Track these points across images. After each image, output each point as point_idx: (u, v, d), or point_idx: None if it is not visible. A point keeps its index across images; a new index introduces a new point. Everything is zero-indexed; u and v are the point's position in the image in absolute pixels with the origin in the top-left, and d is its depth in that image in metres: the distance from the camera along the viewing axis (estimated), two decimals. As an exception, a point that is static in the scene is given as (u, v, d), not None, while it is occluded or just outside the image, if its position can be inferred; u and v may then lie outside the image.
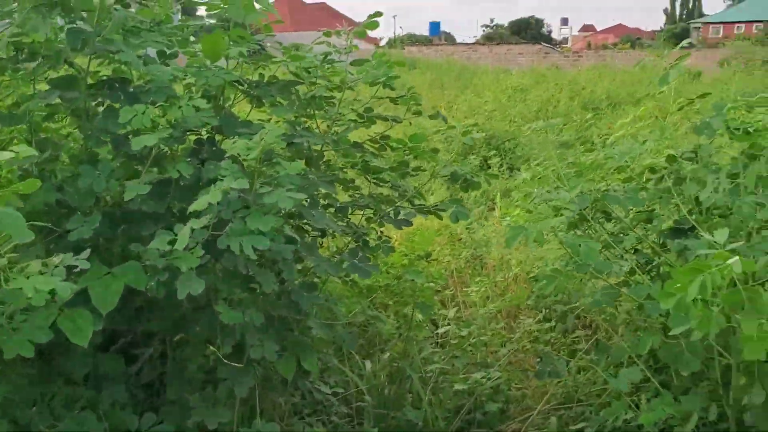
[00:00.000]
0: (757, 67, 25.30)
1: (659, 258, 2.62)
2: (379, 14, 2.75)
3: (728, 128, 2.39)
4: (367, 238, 3.13)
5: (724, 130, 2.36)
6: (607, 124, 14.51)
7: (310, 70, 2.67)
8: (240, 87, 2.81)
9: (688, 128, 3.45)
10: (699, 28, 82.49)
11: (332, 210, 3.08)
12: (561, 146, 2.87)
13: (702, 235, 2.09)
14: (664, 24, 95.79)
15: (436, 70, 26.96)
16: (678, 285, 1.67)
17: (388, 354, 3.94)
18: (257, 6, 2.57)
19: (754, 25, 74.56)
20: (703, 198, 2.26)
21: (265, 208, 2.07)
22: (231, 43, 2.64)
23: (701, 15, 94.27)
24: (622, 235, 2.72)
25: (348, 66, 2.67)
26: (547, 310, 4.58)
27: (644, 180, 2.78)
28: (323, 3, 63.42)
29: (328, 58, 2.72)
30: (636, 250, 2.88)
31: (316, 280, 3.16)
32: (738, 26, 77.68)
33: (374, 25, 2.76)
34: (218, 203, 2.00)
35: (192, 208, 2.00)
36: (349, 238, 3.11)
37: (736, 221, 2.41)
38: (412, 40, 52.36)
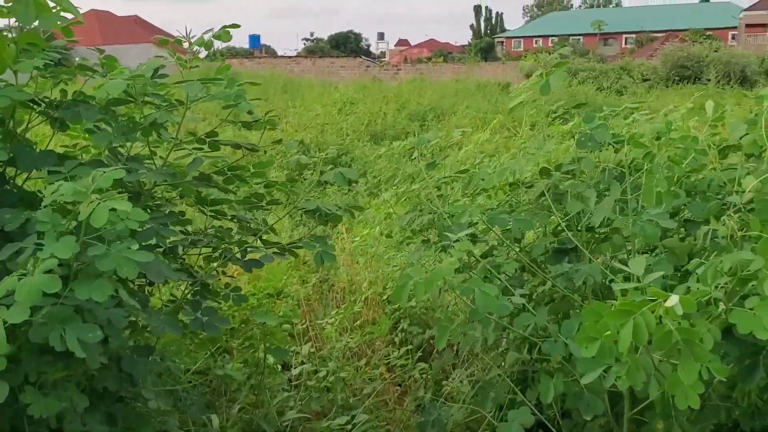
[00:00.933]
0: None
1: (544, 285, 2.42)
2: (236, 26, 2.32)
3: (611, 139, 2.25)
4: (209, 283, 2.63)
5: (605, 142, 2.20)
6: (434, 134, 14.93)
7: (144, 87, 2.13)
8: (36, 108, 2.21)
9: (556, 141, 3.32)
10: (503, 42, 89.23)
11: (160, 250, 2.54)
12: (428, 167, 2.58)
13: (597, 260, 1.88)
14: (472, 39, 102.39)
15: (259, 82, 26.37)
16: (603, 329, 1.41)
17: (238, 406, 3.46)
18: (52, 5, 2.00)
19: (550, 39, 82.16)
20: (595, 218, 2.07)
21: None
22: (21, 51, 2.06)
23: (503, 30, 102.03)
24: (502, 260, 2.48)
25: (189, 84, 2.16)
26: (404, 334, 4.34)
27: (519, 197, 2.59)
28: (135, 16, 59.77)
29: (160, 73, 2.20)
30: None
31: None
32: (536, 40, 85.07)
33: (227, 37, 2.31)
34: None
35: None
36: (187, 285, 2.60)
37: (618, 240, 2.25)
38: (232, 53, 50.99)
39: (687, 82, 27.89)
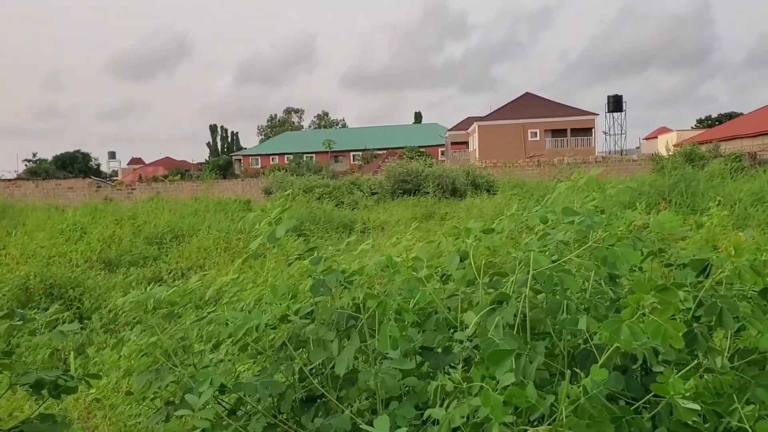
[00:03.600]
0: (298, 194, 28.59)
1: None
2: None
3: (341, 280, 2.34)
4: None
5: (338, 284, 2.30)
6: (174, 258, 14.38)
7: None
8: None
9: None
10: (240, 159, 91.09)
11: None
12: (168, 316, 2.43)
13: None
14: (209, 156, 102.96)
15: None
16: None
17: None
18: None
19: (286, 156, 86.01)
20: (338, 368, 2.12)
21: None
22: None
23: (240, 148, 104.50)
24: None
25: None
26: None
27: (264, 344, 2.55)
28: None
29: None
30: None
31: None
32: (273, 157, 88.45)
33: None
34: None
35: None
36: None
37: (364, 386, 2.32)
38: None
39: (409, 195, 30.71)
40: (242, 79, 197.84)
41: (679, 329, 1.73)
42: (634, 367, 2.25)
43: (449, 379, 1.74)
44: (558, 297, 2.27)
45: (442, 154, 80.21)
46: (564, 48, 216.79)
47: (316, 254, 2.65)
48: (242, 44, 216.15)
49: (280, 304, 2.51)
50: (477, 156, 60.31)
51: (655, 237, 3.03)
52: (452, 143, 76.31)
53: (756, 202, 12.82)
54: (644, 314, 1.78)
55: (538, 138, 63.62)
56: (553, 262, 2.23)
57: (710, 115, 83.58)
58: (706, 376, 2.10)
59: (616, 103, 70.88)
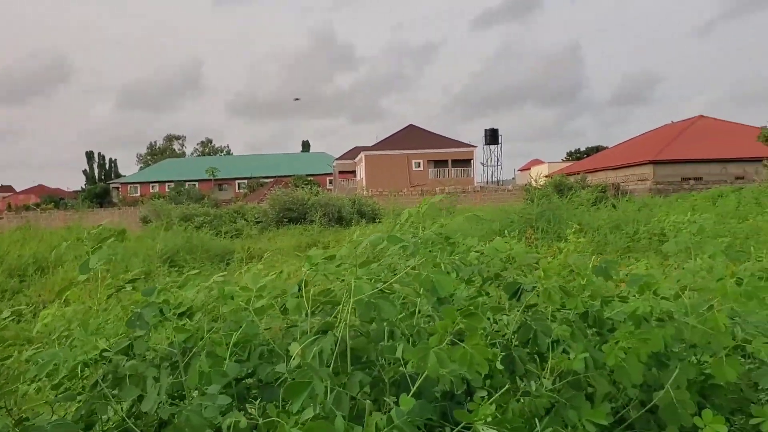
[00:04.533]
0: (176, 222, 27.64)
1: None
2: None
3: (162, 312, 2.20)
4: None
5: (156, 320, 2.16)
6: (37, 290, 13.39)
7: None
8: None
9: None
10: (118, 187, 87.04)
11: None
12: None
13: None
14: (85, 184, 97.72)
15: None
16: None
17: None
18: None
19: (167, 184, 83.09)
20: (144, 406, 1.97)
21: None
22: None
23: (119, 176, 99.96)
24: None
25: None
26: None
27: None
28: None
29: None
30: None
31: None
32: (153, 185, 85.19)
33: None
34: None
35: None
36: None
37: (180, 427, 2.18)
38: None
39: (295, 223, 30.48)
40: (124, 104, 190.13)
41: (485, 355, 1.74)
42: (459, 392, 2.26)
43: (245, 415, 1.65)
44: (385, 324, 2.24)
45: (330, 182, 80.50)
46: (446, 83, 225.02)
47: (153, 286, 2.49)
48: (124, 69, 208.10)
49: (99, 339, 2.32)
50: (364, 185, 60.99)
51: (498, 262, 3.11)
52: (340, 172, 76.79)
53: (614, 229, 13.68)
54: (453, 341, 1.78)
55: (421, 168, 65.25)
56: (380, 289, 2.21)
57: (579, 149, 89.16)
58: (522, 400, 2.13)
59: (492, 136, 74.04)
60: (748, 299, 2.52)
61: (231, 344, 2.20)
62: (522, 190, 37.45)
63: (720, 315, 2.42)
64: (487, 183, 68.34)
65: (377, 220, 29.26)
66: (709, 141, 43.37)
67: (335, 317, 2.35)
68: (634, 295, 2.69)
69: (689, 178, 39.28)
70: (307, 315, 2.63)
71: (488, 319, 2.81)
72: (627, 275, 3.02)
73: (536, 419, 1.96)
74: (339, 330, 2.22)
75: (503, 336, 2.38)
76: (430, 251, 2.32)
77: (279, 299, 2.96)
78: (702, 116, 49.78)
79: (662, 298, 2.66)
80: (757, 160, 33.62)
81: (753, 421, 2.40)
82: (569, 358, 2.25)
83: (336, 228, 28.53)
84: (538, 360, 2.53)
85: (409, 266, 2.26)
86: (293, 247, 20.77)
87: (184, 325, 2.29)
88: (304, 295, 2.50)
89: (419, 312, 2.44)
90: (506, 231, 13.62)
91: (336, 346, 2.08)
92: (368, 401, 1.85)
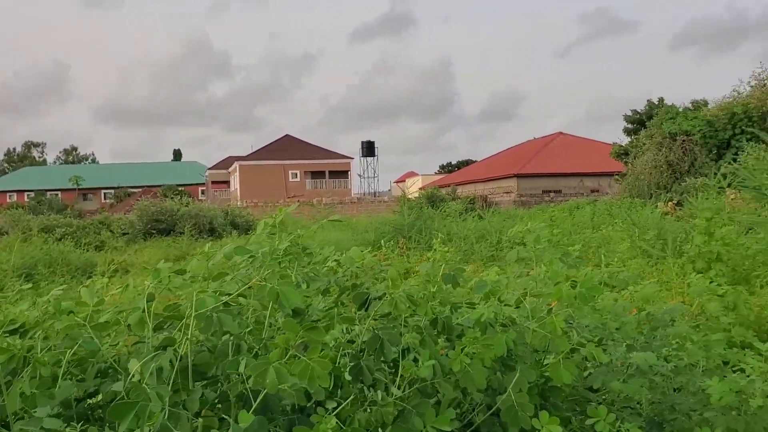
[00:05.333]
0: (35, 234, 25.69)
1: None
2: None
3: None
4: None
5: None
6: None
7: None
8: None
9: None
10: (-31, 196, 79.87)
11: None
12: None
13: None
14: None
15: None
16: None
17: None
18: None
19: (26, 193, 77.24)
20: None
21: None
22: None
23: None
24: None
25: None
26: None
27: None
28: None
29: None
30: None
31: None
32: (10, 195, 78.88)
33: None
34: None
35: None
36: None
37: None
38: None
39: (164, 235, 29.29)
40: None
41: (326, 368, 1.72)
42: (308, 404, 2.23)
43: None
44: (231, 338, 2.18)
45: (203, 193, 78.18)
46: (324, 94, 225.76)
47: None
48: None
49: None
50: (238, 196, 59.76)
51: (356, 272, 3.13)
52: (213, 182, 74.77)
53: (480, 239, 14.24)
54: (295, 355, 1.75)
55: (298, 179, 64.95)
56: (225, 303, 2.15)
57: (450, 162, 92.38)
58: (369, 409, 2.14)
59: (369, 149, 75.03)
60: (584, 302, 2.68)
61: (64, 363, 2.04)
62: (397, 201, 38.22)
63: (557, 319, 2.55)
64: (364, 194, 69.08)
65: (251, 232, 28.72)
66: (567, 156, 46.39)
67: (180, 332, 2.26)
68: (481, 302, 2.79)
69: (550, 191, 41.78)
70: (152, 331, 2.51)
71: (343, 329, 2.82)
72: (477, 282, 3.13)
73: (380, 428, 1.97)
74: (184, 345, 2.13)
75: (354, 346, 2.38)
76: (279, 262, 2.28)
77: (124, 314, 2.81)
78: (561, 133, 53.18)
79: (506, 304, 2.78)
80: (610, 174, 36.31)
81: (589, 422, 2.56)
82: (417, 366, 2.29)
83: (207, 240, 27.69)
84: (388, 369, 2.56)
85: (256, 278, 2.21)
86: (160, 259, 19.92)
87: (9, 344, 2.11)
88: (146, 309, 2.38)
89: (271, 325, 2.40)
90: (381, 241, 13.82)
91: (177, 361, 1.99)
92: (200, 419, 1.78)
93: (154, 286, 2.55)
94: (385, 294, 2.35)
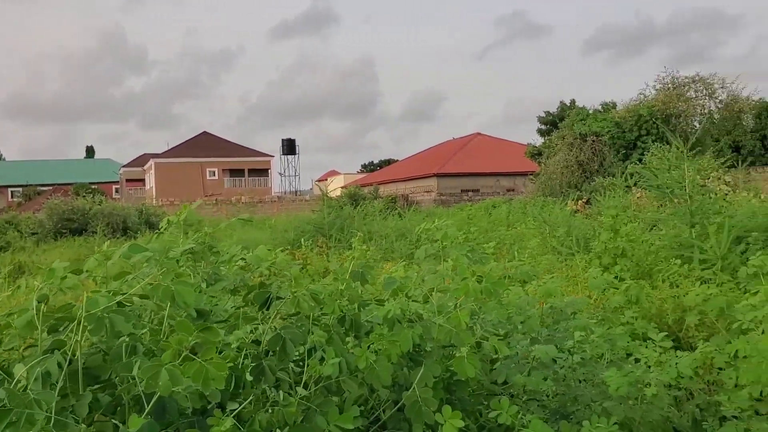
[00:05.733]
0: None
1: None
2: None
3: None
4: None
5: None
6: None
7: None
8: None
9: None
10: None
11: None
12: None
13: None
14: None
15: None
16: None
17: None
18: None
19: None
20: None
21: None
22: None
23: None
24: None
25: None
26: None
27: None
28: None
29: None
30: None
31: None
32: None
33: None
34: None
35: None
36: None
37: None
38: None
39: (76, 234, 28.13)
40: None
41: (222, 369, 1.67)
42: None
43: None
44: (128, 339, 2.09)
45: (117, 191, 75.37)
46: (244, 92, 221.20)
47: None
48: None
49: None
50: (154, 194, 57.96)
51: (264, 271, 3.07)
52: (128, 180, 72.19)
53: (400, 237, 14.35)
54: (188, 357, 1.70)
55: (216, 177, 63.61)
56: (120, 303, 2.06)
57: (373, 161, 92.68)
58: (271, 410, 2.11)
59: (289, 147, 74.24)
60: (489, 296, 2.73)
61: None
62: (319, 200, 38.05)
63: (462, 313, 2.59)
64: (285, 193, 68.39)
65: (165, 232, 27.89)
66: (484, 156, 47.49)
67: (72, 333, 2.15)
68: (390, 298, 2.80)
69: (468, 190, 42.63)
70: (47, 333, 2.39)
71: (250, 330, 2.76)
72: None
73: (279, 429, 1.94)
74: (74, 347, 2.03)
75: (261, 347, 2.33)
76: (177, 261, 2.21)
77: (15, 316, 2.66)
78: (479, 133, 54.36)
79: (413, 300, 2.80)
80: (525, 174, 37.40)
81: (492, 414, 2.61)
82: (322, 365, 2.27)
83: (121, 239, 26.74)
84: (299, 369, 2.53)
85: (150, 277, 2.13)
86: (71, 260, 19.08)
87: None
88: (36, 311, 2.26)
89: (171, 327, 2.32)
90: (301, 240, 13.70)
91: (66, 365, 1.89)
92: (83, 425, 1.70)
93: (47, 286, 2.42)
94: (290, 293, 2.31)
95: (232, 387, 2.13)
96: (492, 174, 44.73)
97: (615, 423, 2.68)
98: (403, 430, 2.52)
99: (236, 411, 1.86)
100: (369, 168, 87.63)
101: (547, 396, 3.39)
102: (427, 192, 42.82)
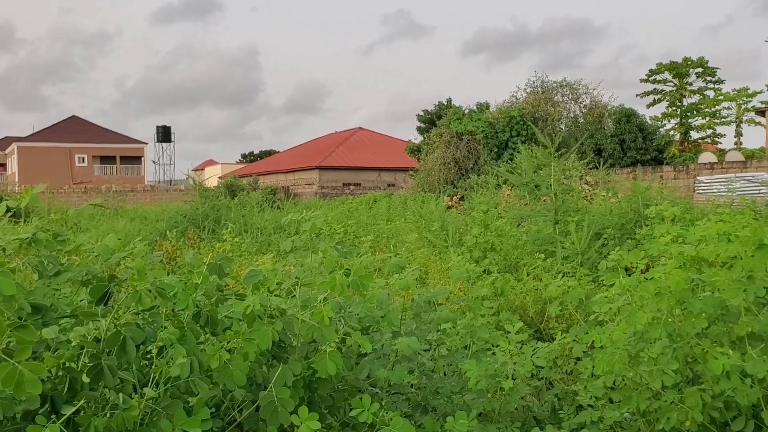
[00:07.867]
0: None
1: None
2: None
3: None
4: None
5: None
6: None
7: None
8: None
9: None
10: None
11: None
12: None
13: None
14: None
15: None
16: None
17: None
18: None
19: None
20: None
21: None
22: None
23: None
24: None
25: None
26: None
27: None
28: None
29: None
30: None
31: None
32: None
33: None
34: None
35: None
36: None
37: None
38: None
39: None
40: None
41: (39, 371, 1.49)
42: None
43: None
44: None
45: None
46: (120, 75, 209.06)
47: None
48: None
49: None
50: (17, 179, 53.75)
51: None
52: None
53: (278, 230, 14.11)
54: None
55: (86, 164, 59.97)
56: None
57: (253, 151, 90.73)
58: (110, 414, 1.92)
59: (165, 134, 71.13)
60: (356, 289, 2.67)
61: None
62: (195, 190, 36.71)
63: (326, 308, 2.50)
64: (159, 182, 65.50)
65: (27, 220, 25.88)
66: (367, 151, 47.83)
67: None
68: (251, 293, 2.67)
69: (350, 184, 42.76)
70: None
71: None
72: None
73: None
74: None
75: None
76: (3, 249, 1.97)
77: None
78: (361, 128, 54.65)
79: (277, 295, 2.68)
80: (405, 169, 38.03)
81: (353, 413, 2.54)
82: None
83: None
84: (136, 368, 2.35)
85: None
86: None
87: None
88: None
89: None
90: (168, 231, 13.10)
91: None
92: None
93: None
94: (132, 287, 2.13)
95: (65, 390, 1.93)
96: (374, 168, 45.12)
97: (477, 415, 2.71)
98: (260, 430, 2.40)
99: (67, 416, 1.67)
100: (249, 158, 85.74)
101: (412, 388, 3.39)
102: (309, 184, 42.54)
